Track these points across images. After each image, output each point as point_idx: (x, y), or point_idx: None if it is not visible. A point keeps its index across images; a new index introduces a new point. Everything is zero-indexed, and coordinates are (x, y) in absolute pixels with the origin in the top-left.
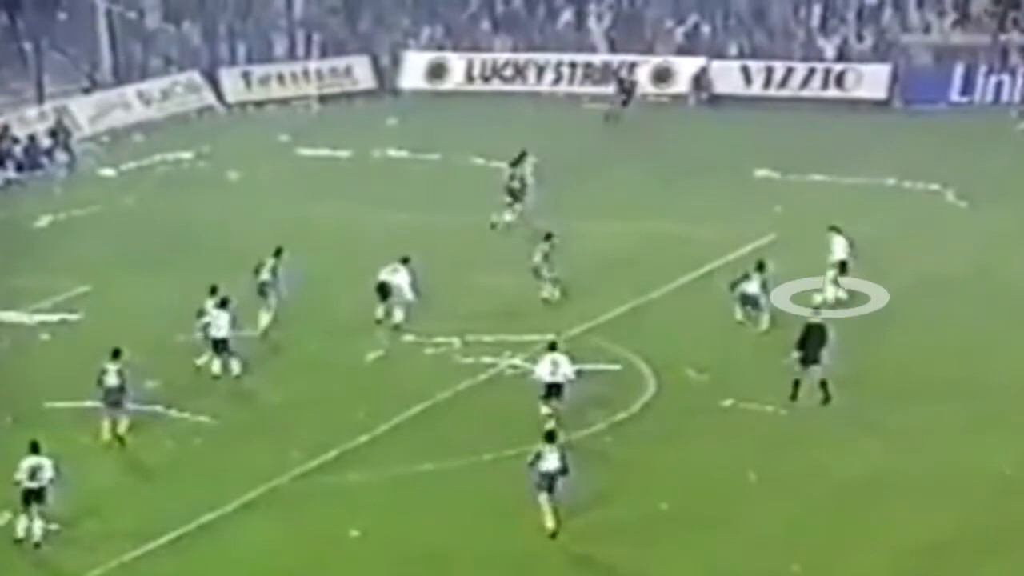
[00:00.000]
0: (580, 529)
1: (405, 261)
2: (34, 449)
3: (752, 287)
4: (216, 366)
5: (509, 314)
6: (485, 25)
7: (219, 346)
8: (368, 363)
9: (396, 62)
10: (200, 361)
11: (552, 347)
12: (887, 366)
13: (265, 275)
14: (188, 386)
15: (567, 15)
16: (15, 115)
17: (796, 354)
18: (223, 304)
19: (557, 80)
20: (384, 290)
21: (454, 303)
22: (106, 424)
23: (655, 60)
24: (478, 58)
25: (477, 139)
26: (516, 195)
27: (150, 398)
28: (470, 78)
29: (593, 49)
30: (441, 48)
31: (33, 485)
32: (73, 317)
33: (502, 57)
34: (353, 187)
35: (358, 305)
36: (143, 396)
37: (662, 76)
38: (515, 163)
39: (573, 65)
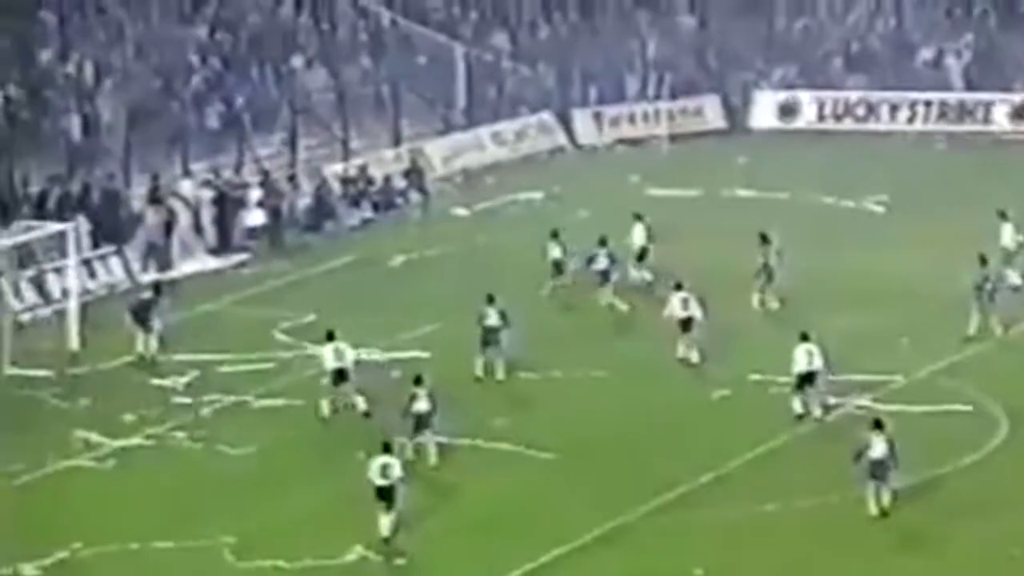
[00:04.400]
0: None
1: (678, 287)
2: (385, 448)
3: None
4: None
5: (855, 354)
6: (838, 64)
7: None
8: (713, 401)
9: (747, 101)
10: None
11: (804, 338)
12: None
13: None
14: (533, 423)
15: (925, 53)
16: (373, 156)
17: None
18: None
19: (911, 119)
20: (686, 325)
21: (798, 342)
22: (409, 448)
23: (1015, 98)
24: (830, 97)
25: (827, 178)
26: (772, 275)
27: (497, 435)
28: (821, 117)
29: (948, 87)
30: (792, 87)
31: (384, 483)
32: (423, 355)
33: (855, 96)
34: (701, 226)
35: (704, 345)
36: (490, 433)
37: (1021, 114)
38: (765, 241)
39: (928, 104)
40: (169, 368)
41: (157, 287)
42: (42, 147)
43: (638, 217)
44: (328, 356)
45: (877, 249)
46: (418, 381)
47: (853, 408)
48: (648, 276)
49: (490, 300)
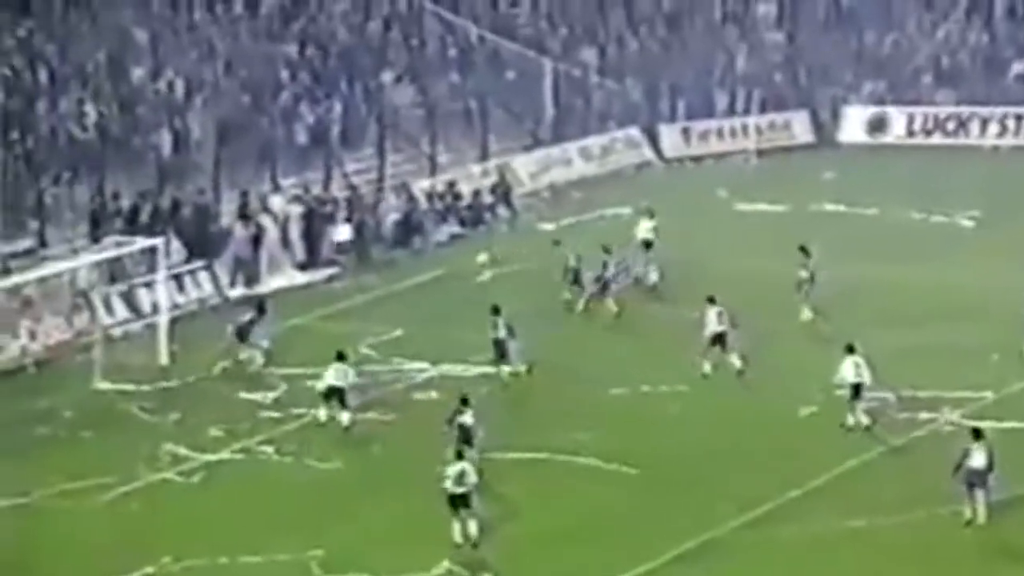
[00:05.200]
0: None
1: (711, 301)
2: (458, 456)
3: None
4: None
5: (945, 369)
6: (928, 79)
7: None
8: (801, 417)
9: (836, 116)
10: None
11: (850, 350)
12: None
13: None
14: (618, 437)
15: (1017, 67)
16: (460, 172)
17: None
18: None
19: (1001, 133)
20: (718, 339)
21: (887, 358)
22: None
23: None
24: (919, 112)
25: (916, 193)
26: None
27: (582, 449)
28: (911, 132)
29: None
30: (882, 102)
31: (460, 490)
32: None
33: (945, 111)
34: (789, 241)
35: (794, 359)
36: (576, 447)
37: None
38: (806, 254)
39: (1019, 118)
40: (258, 382)
41: (261, 306)
42: (133, 163)
43: (649, 213)
44: (330, 374)
45: (968, 264)
46: (464, 402)
47: (944, 424)
48: (654, 276)
49: (495, 311)
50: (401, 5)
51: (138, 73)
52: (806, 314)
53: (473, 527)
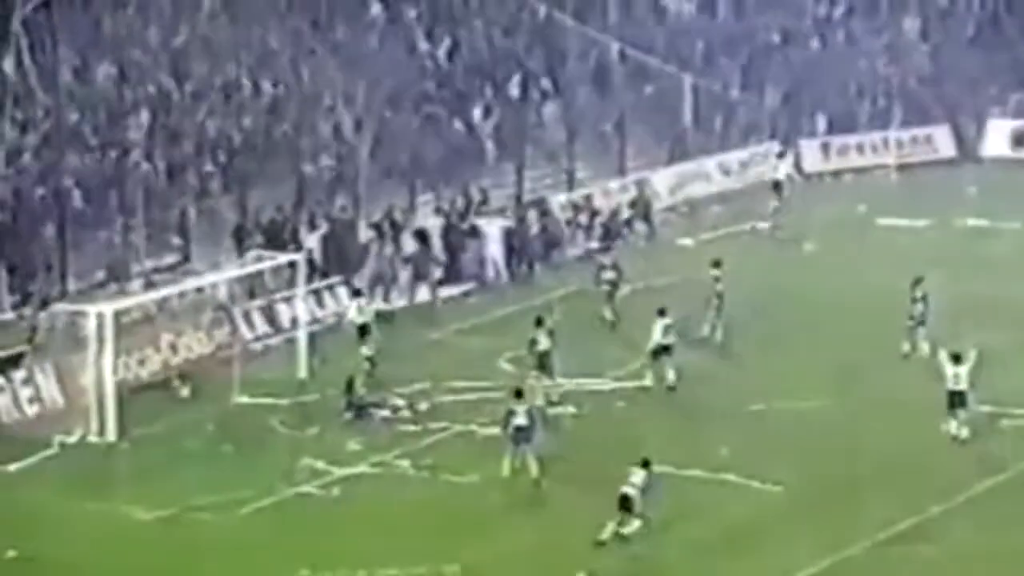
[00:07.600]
0: None
1: (662, 313)
2: (644, 464)
3: None
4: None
5: None
6: None
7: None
8: (941, 434)
9: (979, 130)
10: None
11: (957, 359)
12: None
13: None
14: (759, 453)
15: None
16: (598, 187)
17: None
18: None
19: None
20: (664, 351)
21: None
22: (507, 462)
23: None
24: None
25: None
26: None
27: (722, 465)
28: None
29: None
30: None
31: (628, 491)
32: (649, 384)
33: None
34: (931, 257)
35: (925, 377)
36: (716, 463)
37: None
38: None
39: None
40: (395, 397)
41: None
42: (275, 178)
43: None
44: (352, 310)
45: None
46: (518, 395)
47: None
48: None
49: (539, 323)
50: (541, 20)
51: (279, 89)
52: (917, 348)
53: (629, 528)
